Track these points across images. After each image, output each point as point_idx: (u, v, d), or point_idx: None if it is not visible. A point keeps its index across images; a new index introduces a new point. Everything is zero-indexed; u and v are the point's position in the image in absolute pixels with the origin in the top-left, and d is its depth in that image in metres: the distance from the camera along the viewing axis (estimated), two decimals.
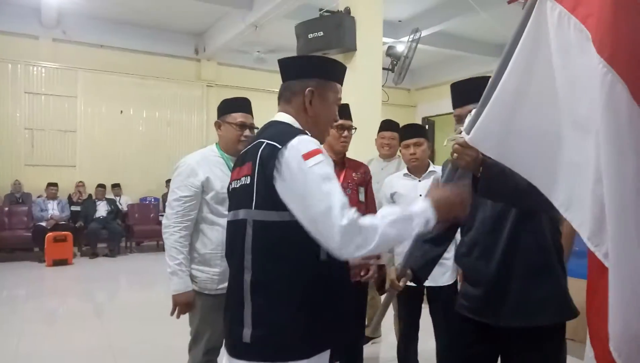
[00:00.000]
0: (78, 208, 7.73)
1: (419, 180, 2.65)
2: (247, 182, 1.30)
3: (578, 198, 1.13)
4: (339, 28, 4.93)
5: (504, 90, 1.24)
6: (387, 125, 3.41)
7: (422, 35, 7.29)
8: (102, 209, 7.74)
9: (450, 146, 1.43)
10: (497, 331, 1.59)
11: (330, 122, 1.46)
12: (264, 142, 1.29)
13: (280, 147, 1.23)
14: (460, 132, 1.37)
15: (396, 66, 7.11)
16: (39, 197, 7.69)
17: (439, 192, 1.31)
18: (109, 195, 8.16)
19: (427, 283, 2.50)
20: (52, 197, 7.51)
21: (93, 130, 8.50)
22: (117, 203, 8.12)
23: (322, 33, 4.98)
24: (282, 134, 1.28)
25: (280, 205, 1.22)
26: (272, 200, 1.23)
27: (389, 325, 3.30)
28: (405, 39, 7.42)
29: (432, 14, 7.44)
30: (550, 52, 1.13)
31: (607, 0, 1.01)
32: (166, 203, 2.13)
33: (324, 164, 1.19)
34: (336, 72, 1.44)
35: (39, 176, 7.91)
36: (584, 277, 1.20)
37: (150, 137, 8.89)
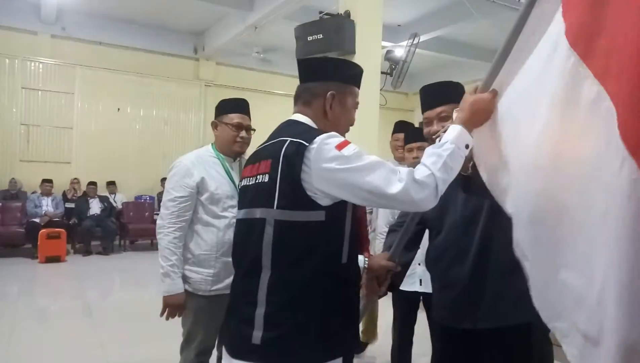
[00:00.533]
0: (72, 205, 7.70)
1: None
2: (266, 180, 1.26)
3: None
4: (338, 31, 4.94)
5: (498, 85, 1.23)
6: (400, 127, 3.29)
7: (420, 40, 7.33)
8: (96, 207, 7.71)
9: None
10: (474, 334, 1.55)
11: (347, 126, 1.45)
12: (286, 140, 1.25)
13: (307, 144, 1.20)
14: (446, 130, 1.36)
15: (394, 70, 7.13)
16: (33, 193, 7.66)
17: (461, 106, 1.26)
18: (104, 192, 8.13)
19: (423, 290, 2.50)
20: (47, 193, 7.47)
21: (89, 127, 8.47)
22: (112, 201, 8.08)
23: (321, 35, 4.98)
24: (306, 132, 1.26)
25: (307, 205, 1.20)
26: (298, 199, 1.20)
27: (385, 329, 3.30)
28: (404, 43, 7.45)
29: (431, 19, 7.48)
30: (540, 47, 1.13)
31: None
32: (161, 204, 2.12)
33: (359, 149, 1.21)
34: (357, 76, 1.43)
35: (34, 172, 7.87)
36: None
37: (146, 136, 8.87)
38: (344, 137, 1.41)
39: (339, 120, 1.38)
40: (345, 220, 1.26)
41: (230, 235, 1.97)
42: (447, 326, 1.64)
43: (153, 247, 8.00)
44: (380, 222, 2.87)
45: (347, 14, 5.02)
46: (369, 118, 4.82)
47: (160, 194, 8.52)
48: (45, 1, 7.29)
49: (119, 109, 8.67)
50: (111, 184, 8.33)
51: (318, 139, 1.20)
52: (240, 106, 2.15)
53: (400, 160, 3.22)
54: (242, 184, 1.41)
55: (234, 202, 1.93)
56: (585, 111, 0.97)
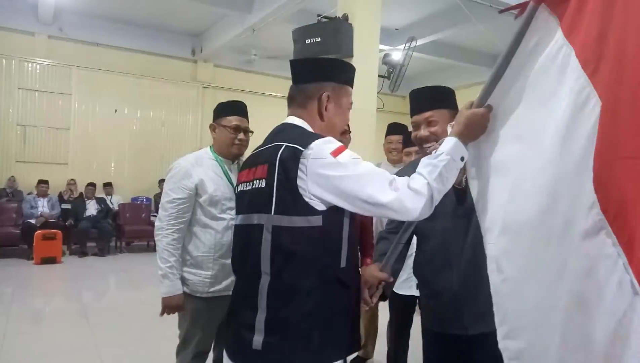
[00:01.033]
0: (69, 206, 7.67)
1: None
2: (262, 186, 1.26)
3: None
4: (336, 34, 4.96)
5: (494, 102, 1.25)
6: (394, 129, 3.25)
7: (418, 44, 7.36)
8: (92, 208, 7.69)
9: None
10: (465, 339, 1.54)
11: (342, 127, 1.45)
12: (282, 144, 1.24)
13: (303, 149, 1.19)
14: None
15: (392, 74, 7.16)
16: (29, 194, 7.62)
17: (457, 120, 1.28)
18: (100, 194, 8.11)
19: (418, 293, 2.51)
20: (43, 194, 7.44)
21: (86, 128, 8.45)
22: (108, 202, 8.06)
23: (319, 38, 5.00)
24: (301, 136, 1.25)
25: (305, 210, 1.19)
26: (295, 205, 1.19)
27: (380, 332, 3.29)
28: (402, 46, 7.48)
29: (428, 23, 7.51)
30: (540, 66, 1.14)
31: (595, 14, 1.02)
32: (159, 206, 2.12)
33: (354, 156, 1.21)
34: (350, 76, 1.42)
35: (30, 173, 7.84)
36: None
37: (144, 137, 8.85)
38: (338, 137, 1.42)
39: (334, 121, 1.37)
40: (343, 224, 1.26)
41: (228, 237, 1.98)
42: (437, 332, 1.63)
43: (149, 248, 7.97)
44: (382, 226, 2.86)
45: (345, 18, 5.04)
46: (366, 121, 4.84)
47: (157, 196, 8.51)
48: (43, 2, 7.28)
49: (116, 110, 8.65)
50: (108, 185, 8.31)
51: (314, 145, 1.20)
52: (238, 108, 2.16)
53: (394, 162, 3.19)
54: (238, 189, 1.40)
55: (232, 204, 1.92)
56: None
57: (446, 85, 1.70)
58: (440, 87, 1.62)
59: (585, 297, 0.96)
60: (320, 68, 1.39)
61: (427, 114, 1.54)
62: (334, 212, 1.22)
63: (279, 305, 1.21)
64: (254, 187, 1.29)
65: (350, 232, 1.28)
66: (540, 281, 1.07)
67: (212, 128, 2.17)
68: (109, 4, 7.66)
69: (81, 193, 7.93)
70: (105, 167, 8.42)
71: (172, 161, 2.16)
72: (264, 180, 1.25)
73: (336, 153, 1.18)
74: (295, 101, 1.38)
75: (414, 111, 1.61)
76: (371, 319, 3.21)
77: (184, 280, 2.06)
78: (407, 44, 7.30)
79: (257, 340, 1.21)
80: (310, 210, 1.19)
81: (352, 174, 1.17)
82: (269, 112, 5.47)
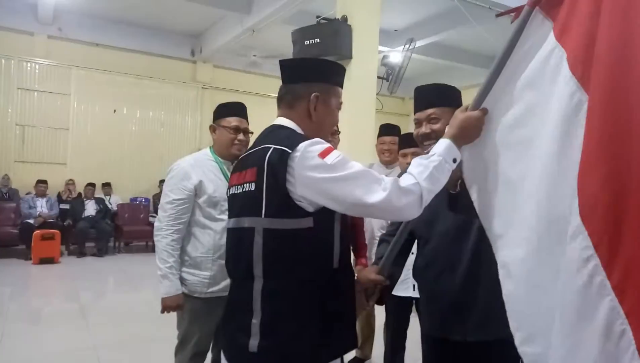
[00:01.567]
0: (67, 206, 7.66)
1: None
2: (252, 189, 1.25)
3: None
4: (335, 35, 4.96)
5: (488, 105, 1.26)
6: (386, 130, 3.23)
7: (417, 45, 7.37)
8: (91, 208, 7.68)
9: None
10: (464, 345, 1.52)
11: (332, 127, 1.44)
12: (270, 147, 1.24)
13: (290, 151, 1.18)
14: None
15: (391, 75, 7.16)
16: (27, 194, 7.62)
17: (452, 122, 1.28)
18: (99, 194, 8.10)
19: (416, 295, 2.50)
20: (41, 194, 7.44)
21: (85, 128, 8.44)
22: (107, 202, 8.06)
23: (318, 40, 5.01)
24: (289, 138, 1.24)
25: (295, 212, 1.19)
26: (285, 207, 1.19)
27: (377, 332, 3.30)
28: (401, 48, 7.49)
29: (427, 24, 7.52)
30: (533, 69, 1.15)
31: (587, 15, 1.04)
32: (159, 206, 2.13)
33: (342, 157, 1.19)
34: (339, 76, 1.41)
35: (28, 173, 7.83)
36: None
37: (143, 137, 8.85)
38: (328, 138, 1.41)
39: (324, 121, 1.36)
40: (334, 225, 1.26)
41: None
42: (436, 337, 1.62)
43: (148, 249, 7.97)
44: (375, 226, 2.86)
45: (344, 19, 5.05)
46: (365, 122, 4.84)
47: (155, 196, 8.51)
48: (42, 2, 7.28)
49: (115, 111, 8.65)
50: (106, 186, 8.30)
51: (301, 146, 1.18)
52: (237, 109, 2.17)
53: (387, 163, 3.16)
54: (230, 192, 1.40)
55: None
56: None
57: None
58: (445, 85, 1.59)
59: (569, 301, 0.97)
60: (309, 68, 1.38)
61: (430, 111, 1.52)
62: (325, 214, 1.21)
63: (273, 308, 1.21)
64: (244, 190, 1.29)
65: (342, 233, 1.28)
66: (547, 285, 1.06)
67: (212, 129, 2.18)
68: (108, 5, 7.66)
69: (80, 194, 7.93)
70: (104, 167, 8.41)
71: (171, 162, 2.17)
72: (253, 184, 1.25)
73: (324, 154, 1.18)
74: (284, 102, 1.37)
75: (417, 108, 1.59)
76: (367, 320, 3.22)
77: (182, 281, 2.06)
78: (406, 46, 7.31)
79: (253, 343, 1.21)
80: (300, 212, 1.19)
81: (340, 175, 1.16)
82: (268, 113, 5.46)
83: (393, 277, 1.65)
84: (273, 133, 1.32)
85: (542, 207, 1.08)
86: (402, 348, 2.73)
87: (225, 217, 2.03)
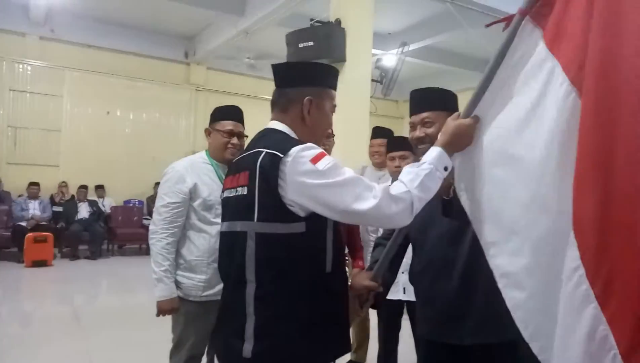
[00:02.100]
0: (60, 208, 7.61)
1: None
2: (245, 193, 1.25)
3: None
4: (329, 38, 4.99)
5: (480, 113, 1.27)
6: (375, 133, 3.28)
7: (410, 49, 7.41)
8: (84, 211, 7.64)
9: None
10: (460, 349, 1.52)
11: (326, 130, 1.44)
12: (262, 151, 1.23)
13: (282, 156, 1.18)
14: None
15: (384, 78, 7.20)
16: (20, 196, 7.56)
17: (444, 130, 1.29)
18: (92, 196, 8.06)
19: (406, 298, 2.51)
20: (34, 196, 7.39)
21: (78, 130, 8.39)
22: (100, 205, 8.02)
23: (312, 43, 5.03)
24: (281, 142, 1.24)
25: (287, 217, 1.19)
26: (278, 211, 1.19)
27: (372, 334, 3.31)
28: (394, 51, 7.53)
29: (421, 28, 7.56)
30: (524, 77, 1.17)
31: (578, 23, 1.06)
32: (154, 210, 2.13)
33: (334, 163, 1.19)
34: (332, 79, 1.41)
35: (20, 175, 7.77)
36: None
37: (136, 139, 8.81)
38: (323, 141, 1.41)
39: (317, 125, 1.36)
40: (327, 230, 1.26)
41: None
42: (433, 340, 1.62)
43: (141, 251, 7.94)
44: (368, 228, 2.87)
45: (338, 22, 5.08)
46: (359, 125, 4.87)
47: (149, 199, 8.48)
48: (34, 2, 7.24)
49: (108, 112, 8.61)
50: (100, 188, 8.26)
51: (293, 151, 1.18)
52: (233, 113, 2.17)
53: (379, 166, 3.19)
54: (224, 196, 1.40)
55: None
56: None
57: None
58: (441, 89, 1.59)
59: (562, 308, 1.01)
60: (302, 72, 1.38)
61: (424, 114, 1.52)
62: (317, 219, 1.21)
63: (266, 312, 1.21)
64: (237, 194, 1.29)
65: (334, 237, 1.28)
66: (552, 294, 1.08)
67: (207, 132, 2.18)
68: (101, 6, 7.63)
69: (73, 196, 7.88)
70: (97, 169, 8.36)
71: (164, 164, 2.17)
72: (246, 188, 1.25)
73: (316, 160, 1.17)
74: (277, 105, 1.37)
75: (412, 111, 1.59)
76: (362, 323, 3.23)
77: (177, 284, 2.06)
78: (400, 49, 7.35)
79: (247, 348, 1.21)
80: (292, 217, 1.18)
81: (331, 181, 1.16)
82: (262, 115, 5.47)
83: (387, 283, 1.66)
84: (266, 136, 1.33)
85: (542, 217, 1.09)
86: (395, 351, 2.74)
87: (220, 220, 2.04)
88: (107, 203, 8.24)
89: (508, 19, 1.22)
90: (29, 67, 8.04)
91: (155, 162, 8.46)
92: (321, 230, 1.25)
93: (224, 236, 1.38)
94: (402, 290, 2.54)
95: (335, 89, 1.41)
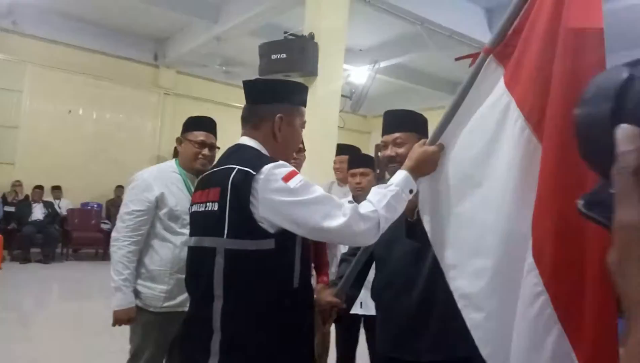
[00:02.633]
0: (12, 209, 7.27)
1: None
2: (215, 209, 1.25)
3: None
4: (302, 52, 5.04)
5: (444, 141, 1.34)
6: (339, 150, 3.35)
7: (381, 66, 7.58)
8: (38, 212, 7.33)
9: None
10: None
11: (296, 147, 1.47)
12: (234, 168, 1.24)
13: (254, 173, 1.20)
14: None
15: (354, 93, 7.32)
16: None
17: (410, 155, 1.36)
18: (48, 197, 7.74)
19: (363, 312, 2.54)
20: None
21: (37, 127, 8.07)
22: (56, 206, 7.71)
23: (285, 55, 5.07)
24: (253, 159, 1.26)
25: (257, 234, 1.20)
26: (247, 228, 1.20)
27: (331, 351, 3.33)
28: (365, 67, 7.68)
29: (391, 46, 7.76)
30: (485, 111, 1.25)
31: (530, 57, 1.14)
32: (117, 216, 2.09)
33: (305, 181, 1.22)
34: (302, 96, 1.44)
35: None
36: None
37: (98, 140, 8.54)
38: (293, 156, 1.45)
39: (288, 142, 1.39)
40: (295, 246, 1.28)
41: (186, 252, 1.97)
42: (391, 357, 1.64)
43: (98, 256, 7.68)
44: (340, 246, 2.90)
45: (312, 36, 5.14)
46: (327, 139, 4.91)
47: (109, 202, 8.23)
48: None
49: (70, 111, 8.33)
50: (56, 189, 7.94)
51: (265, 169, 1.20)
52: (205, 124, 2.17)
53: (343, 181, 3.23)
54: (192, 209, 1.40)
55: None
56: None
57: (406, 107, 1.75)
58: (413, 112, 1.67)
59: (523, 329, 1.07)
60: (273, 89, 1.41)
61: (396, 135, 1.58)
62: (286, 235, 1.23)
63: (233, 328, 1.22)
64: (206, 209, 1.29)
65: (302, 253, 1.30)
66: (510, 316, 1.13)
67: (179, 141, 2.17)
68: (68, 1, 7.41)
69: (27, 196, 7.55)
70: (54, 169, 8.04)
71: (127, 167, 2.13)
72: (216, 204, 1.25)
73: (287, 178, 1.20)
74: (249, 122, 1.38)
75: (385, 131, 1.65)
76: (322, 337, 3.24)
77: (137, 294, 2.03)
78: (372, 65, 7.51)
79: (213, 362, 1.21)
80: (262, 234, 1.20)
81: (302, 199, 1.18)
82: (231, 122, 5.42)
83: (351, 298, 1.69)
84: (238, 153, 1.34)
85: (501, 242, 1.16)
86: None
87: (186, 231, 2.01)
88: (63, 205, 7.93)
89: (474, 55, 1.29)
90: None
91: (117, 164, 8.24)
92: (290, 247, 1.27)
93: (191, 251, 1.38)
94: (359, 304, 2.58)
95: (305, 106, 1.45)
